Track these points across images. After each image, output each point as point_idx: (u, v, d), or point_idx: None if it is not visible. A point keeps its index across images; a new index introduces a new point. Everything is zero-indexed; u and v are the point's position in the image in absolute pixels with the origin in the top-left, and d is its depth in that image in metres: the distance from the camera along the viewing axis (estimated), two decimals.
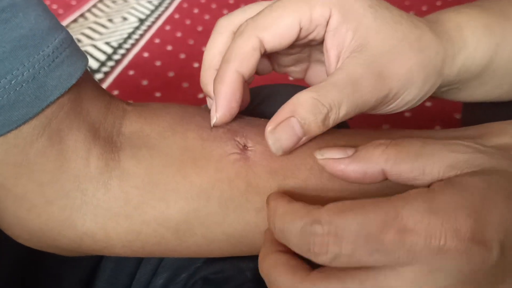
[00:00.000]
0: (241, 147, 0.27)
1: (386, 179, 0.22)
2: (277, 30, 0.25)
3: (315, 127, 0.24)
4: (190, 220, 0.25)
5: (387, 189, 0.25)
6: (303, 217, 0.20)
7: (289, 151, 0.25)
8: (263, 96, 0.39)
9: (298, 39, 0.26)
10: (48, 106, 0.22)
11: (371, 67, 0.24)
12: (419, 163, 0.21)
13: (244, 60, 0.26)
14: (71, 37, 0.24)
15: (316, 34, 0.26)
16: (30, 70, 0.21)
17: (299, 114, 0.24)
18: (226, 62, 0.26)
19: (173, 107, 0.29)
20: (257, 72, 0.31)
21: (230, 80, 0.26)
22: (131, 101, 0.29)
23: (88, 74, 0.26)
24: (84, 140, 0.24)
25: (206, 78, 0.29)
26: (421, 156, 0.21)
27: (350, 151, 0.23)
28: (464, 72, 0.28)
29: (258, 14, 0.26)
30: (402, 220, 0.18)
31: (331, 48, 0.26)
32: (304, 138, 0.25)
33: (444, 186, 0.19)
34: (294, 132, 0.24)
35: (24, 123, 0.21)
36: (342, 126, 0.38)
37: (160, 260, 0.35)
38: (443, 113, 0.88)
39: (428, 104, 0.90)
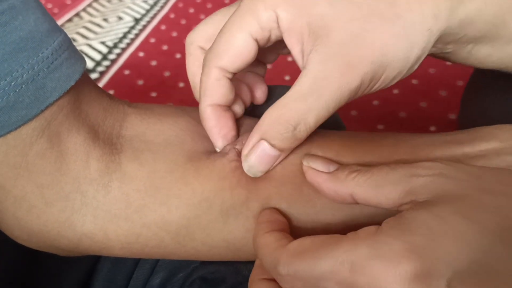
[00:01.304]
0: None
1: (357, 202, 0.23)
2: (232, 53, 0.25)
3: (287, 144, 0.25)
4: (191, 226, 0.26)
5: None
6: (270, 255, 0.22)
7: (269, 170, 0.26)
8: None
9: (261, 47, 0.26)
10: (47, 107, 0.22)
11: (335, 60, 0.23)
12: (383, 190, 0.22)
13: (212, 93, 0.26)
14: (69, 39, 0.24)
15: (275, 37, 0.26)
16: (30, 72, 0.21)
17: (267, 136, 0.25)
18: (200, 99, 0.27)
19: (182, 115, 0.29)
20: (266, 61, 0.32)
21: (208, 116, 0.27)
22: (131, 102, 0.29)
23: (87, 76, 0.26)
24: (83, 142, 0.24)
25: (197, 96, 0.30)
26: (384, 184, 0.22)
27: (332, 167, 0.25)
28: (468, 25, 0.25)
29: (213, 43, 0.26)
30: (348, 265, 0.19)
31: (292, 47, 0.25)
32: (282, 155, 0.26)
33: (390, 226, 0.19)
34: (266, 154, 0.25)
35: (23, 124, 0.22)
36: (339, 127, 0.38)
37: (157, 260, 0.36)
38: (438, 114, 0.89)
39: (423, 104, 0.91)
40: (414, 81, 0.96)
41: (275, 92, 0.39)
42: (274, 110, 0.24)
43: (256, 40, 0.25)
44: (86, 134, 0.24)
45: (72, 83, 0.23)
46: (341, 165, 0.25)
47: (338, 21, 0.23)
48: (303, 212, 0.26)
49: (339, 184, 0.23)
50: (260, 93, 0.32)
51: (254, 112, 0.35)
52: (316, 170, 0.25)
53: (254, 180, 0.26)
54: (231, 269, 0.33)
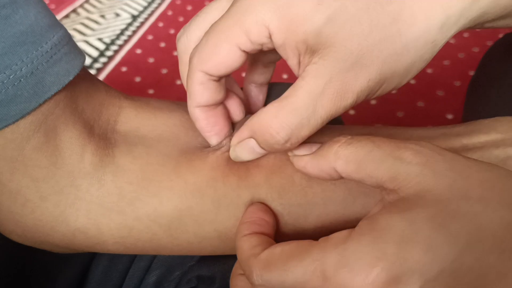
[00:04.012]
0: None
1: (341, 177, 0.23)
2: (217, 60, 0.24)
3: (275, 150, 0.25)
4: (183, 217, 0.26)
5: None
6: (244, 262, 0.22)
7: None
8: None
9: (249, 56, 0.25)
10: (45, 102, 0.22)
11: (332, 77, 0.22)
12: (365, 167, 0.21)
13: (198, 95, 0.26)
14: (69, 34, 0.24)
15: (268, 48, 0.24)
16: (29, 65, 0.21)
17: (256, 137, 0.24)
18: (188, 101, 0.27)
19: (177, 110, 0.29)
20: (270, 61, 0.31)
21: (197, 116, 0.27)
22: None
23: (85, 70, 0.26)
24: (79, 136, 0.24)
25: None
26: (367, 161, 0.21)
27: (314, 147, 0.24)
28: (484, 16, 0.23)
29: (199, 44, 0.25)
30: (319, 273, 0.18)
31: (288, 59, 0.24)
32: (267, 152, 0.26)
33: (362, 232, 0.19)
34: (253, 150, 0.25)
35: (21, 118, 0.22)
36: (336, 123, 0.38)
37: (153, 257, 0.36)
38: (435, 114, 0.89)
39: (420, 104, 0.91)
40: (412, 81, 0.96)
41: (275, 90, 0.39)
42: (267, 115, 0.23)
43: (245, 51, 0.24)
44: (81, 128, 0.24)
45: (71, 78, 0.23)
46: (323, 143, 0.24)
47: (336, 38, 0.22)
48: (294, 202, 0.26)
49: (321, 160, 0.23)
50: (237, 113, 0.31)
51: None
52: (300, 155, 0.24)
53: (246, 168, 0.26)
54: (226, 267, 0.33)
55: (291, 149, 0.25)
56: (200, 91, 0.25)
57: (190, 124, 0.28)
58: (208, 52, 0.24)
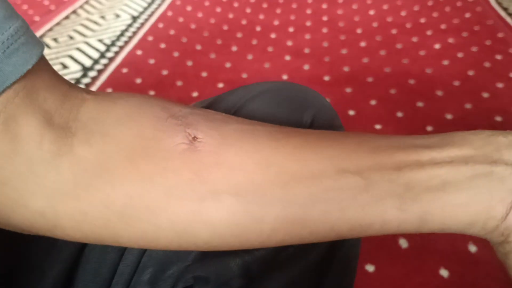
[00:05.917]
0: (190, 138, 0.28)
1: None
2: None
3: None
4: (135, 204, 0.26)
5: None
6: None
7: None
8: (257, 91, 0.39)
9: None
10: (3, 91, 0.23)
11: None
12: None
13: None
14: (27, 25, 0.25)
15: None
16: None
17: None
18: None
19: (133, 96, 0.30)
20: None
21: None
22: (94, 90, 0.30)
23: (47, 63, 0.28)
24: (38, 125, 0.25)
25: None
26: None
27: None
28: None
29: None
30: None
31: None
32: None
33: None
34: None
35: None
36: (338, 128, 0.38)
37: (142, 253, 0.36)
38: (434, 114, 0.89)
39: (420, 104, 0.91)
40: (411, 81, 0.96)
41: (277, 87, 0.40)
42: None
43: None
44: (41, 117, 0.25)
45: (29, 67, 0.24)
46: None
47: None
48: (252, 200, 0.26)
49: None
50: None
51: (244, 107, 0.35)
52: None
53: (201, 163, 0.27)
54: (219, 268, 0.33)
55: None
56: None
57: (144, 105, 0.29)
58: None
